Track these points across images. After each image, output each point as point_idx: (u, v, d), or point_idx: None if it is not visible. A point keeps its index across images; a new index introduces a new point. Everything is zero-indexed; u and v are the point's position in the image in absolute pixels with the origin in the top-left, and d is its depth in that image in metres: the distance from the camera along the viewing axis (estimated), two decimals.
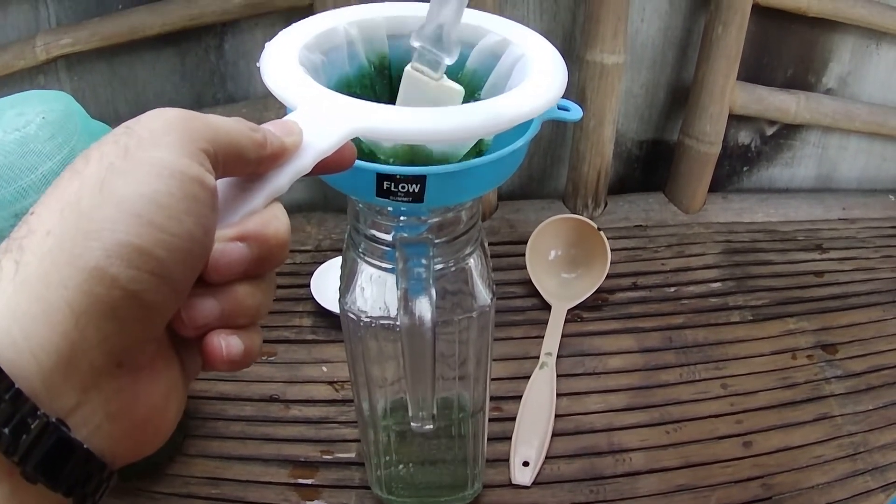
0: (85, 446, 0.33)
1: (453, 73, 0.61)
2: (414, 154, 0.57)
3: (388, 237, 0.62)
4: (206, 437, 0.95)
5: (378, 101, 0.50)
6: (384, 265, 0.65)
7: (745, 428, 0.96)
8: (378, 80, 0.63)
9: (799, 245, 1.27)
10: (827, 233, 1.31)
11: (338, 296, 0.70)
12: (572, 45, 1.22)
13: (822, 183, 1.44)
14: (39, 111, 0.74)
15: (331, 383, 1.01)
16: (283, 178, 0.40)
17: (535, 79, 0.54)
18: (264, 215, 0.39)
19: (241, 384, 1.01)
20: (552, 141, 1.33)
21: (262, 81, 0.49)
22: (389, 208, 0.61)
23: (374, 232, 0.63)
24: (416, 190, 0.53)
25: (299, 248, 1.24)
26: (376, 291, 0.67)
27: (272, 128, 0.40)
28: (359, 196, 0.59)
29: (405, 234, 0.61)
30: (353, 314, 0.68)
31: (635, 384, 1.02)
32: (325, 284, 1.10)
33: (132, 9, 1.12)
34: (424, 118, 0.47)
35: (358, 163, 0.53)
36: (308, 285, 1.12)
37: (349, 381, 0.81)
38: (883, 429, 0.97)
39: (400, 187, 0.53)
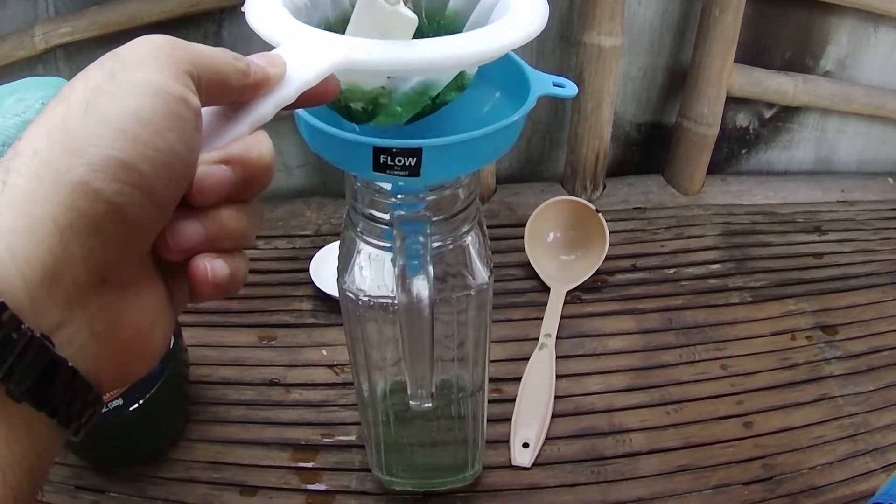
0: (70, 364, 0.34)
1: (435, 13, 0.61)
2: (390, 97, 0.57)
3: (387, 216, 0.62)
4: (207, 422, 0.95)
5: None
6: (382, 244, 0.65)
7: (746, 409, 0.96)
8: None
9: (798, 227, 1.27)
10: (826, 215, 1.31)
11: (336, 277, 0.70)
12: (570, 28, 1.22)
13: (821, 165, 1.44)
14: (39, 97, 0.74)
15: (331, 367, 1.01)
16: (268, 107, 0.41)
17: (516, 13, 0.54)
18: (248, 140, 0.40)
19: (241, 368, 1.01)
20: (550, 124, 1.33)
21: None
22: (387, 186, 0.61)
23: (372, 211, 0.63)
24: (413, 163, 0.53)
25: (299, 232, 1.24)
26: (375, 270, 0.67)
27: (257, 59, 0.41)
28: (356, 171, 0.59)
29: (403, 212, 0.61)
30: (352, 293, 0.68)
31: (635, 365, 1.02)
32: (324, 269, 1.10)
33: None
34: (408, 49, 0.47)
35: (354, 137, 0.53)
36: (308, 269, 1.12)
37: (349, 364, 0.81)
38: (883, 410, 0.97)
39: (396, 161, 0.53)
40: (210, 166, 0.38)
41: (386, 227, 0.63)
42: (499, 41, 0.50)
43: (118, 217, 0.33)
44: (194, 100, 0.36)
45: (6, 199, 0.32)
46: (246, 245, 0.41)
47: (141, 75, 0.35)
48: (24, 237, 0.32)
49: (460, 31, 0.60)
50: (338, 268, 0.69)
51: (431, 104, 0.57)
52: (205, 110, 0.38)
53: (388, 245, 0.64)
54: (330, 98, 0.45)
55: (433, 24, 0.60)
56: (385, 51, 0.47)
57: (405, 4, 0.53)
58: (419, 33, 0.59)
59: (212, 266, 0.38)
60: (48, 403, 0.33)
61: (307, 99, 0.43)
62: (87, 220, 0.33)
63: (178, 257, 0.38)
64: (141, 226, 0.35)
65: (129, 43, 0.37)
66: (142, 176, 0.34)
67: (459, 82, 0.58)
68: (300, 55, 0.43)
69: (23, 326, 0.31)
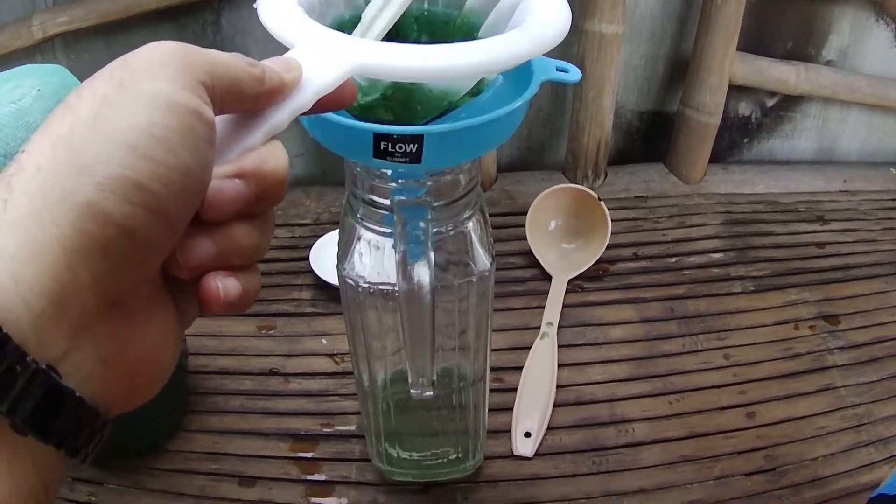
0: (77, 394, 0.32)
1: (450, 12, 0.61)
2: (410, 94, 0.56)
3: (387, 201, 0.62)
4: (205, 412, 0.94)
5: None
6: (383, 230, 0.64)
7: (748, 399, 0.96)
8: None
9: (800, 216, 1.27)
10: (828, 204, 1.30)
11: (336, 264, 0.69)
12: (571, 16, 1.21)
13: (823, 155, 1.43)
14: (35, 84, 0.74)
15: (330, 356, 1.01)
16: (283, 115, 0.39)
17: (537, 19, 0.53)
18: (262, 152, 0.38)
19: (240, 358, 1.01)
20: (552, 112, 1.33)
21: (260, 57, 0.48)
22: (388, 171, 0.60)
23: (372, 196, 0.62)
24: (414, 150, 0.52)
25: (298, 221, 1.24)
26: (375, 257, 0.67)
27: (271, 64, 0.39)
28: (356, 158, 0.58)
29: (403, 198, 0.60)
30: (352, 280, 0.67)
31: (637, 354, 1.01)
32: (324, 257, 1.10)
33: None
34: (426, 56, 0.45)
35: (354, 123, 0.53)
36: (307, 258, 1.11)
37: (349, 354, 0.81)
38: (886, 400, 0.96)
39: (397, 147, 0.52)
40: (223, 181, 0.36)
41: (386, 213, 0.62)
42: (521, 50, 0.48)
43: (128, 240, 0.32)
44: (209, 113, 0.35)
45: (10, 219, 0.30)
46: (257, 259, 0.39)
47: (152, 86, 0.33)
48: (29, 263, 0.30)
49: (477, 29, 0.59)
50: (337, 254, 0.69)
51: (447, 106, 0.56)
52: (217, 119, 0.36)
53: (389, 231, 0.63)
54: (347, 103, 0.44)
55: (449, 22, 0.59)
56: (404, 56, 0.45)
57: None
58: (433, 31, 0.58)
59: (224, 285, 0.37)
60: (54, 435, 0.31)
61: (324, 104, 0.41)
62: (96, 244, 0.31)
63: (189, 275, 0.37)
64: (151, 248, 0.34)
65: (139, 49, 0.35)
66: (153, 196, 0.32)
67: (477, 87, 0.58)
68: (316, 59, 0.42)
69: (28, 358, 0.30)
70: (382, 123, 0.56)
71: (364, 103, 0.56)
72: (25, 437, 0.31)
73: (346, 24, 0.59)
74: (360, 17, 0.58)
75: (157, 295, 0.37)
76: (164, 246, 0.34)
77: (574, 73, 0.60)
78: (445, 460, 0.85)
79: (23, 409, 0.30)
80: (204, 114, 0.34)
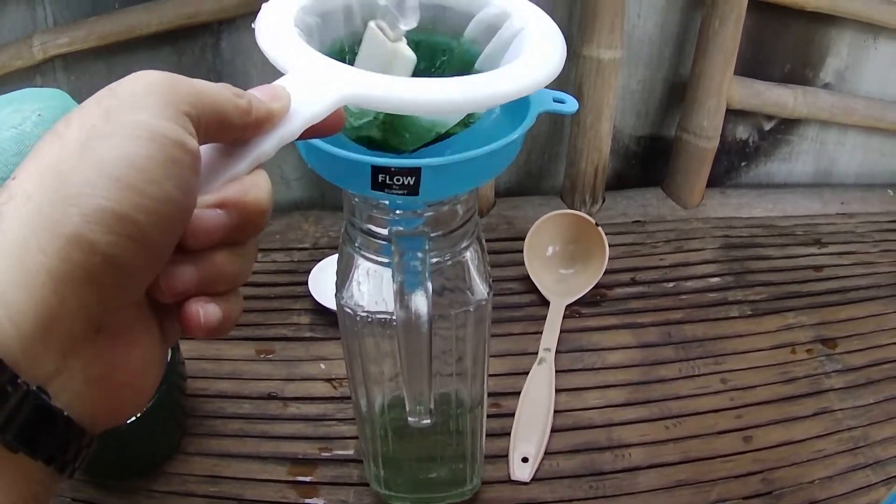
0: (65, 413, 0.33)
1: (449, 41, 0.61)
2: (399, 121, 0.56)
3: (385, 231, 0.62)
4: (204, 436, 0.94)
5: None
6: (381, 259, 0.64)
7: (745, 423, 0.96)
8: None
9: (797, 240, 1.27)
10: (826, 227, 1.30)
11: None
12: (569, 41, 1.20)
13: (821, 178, 1.43)
14: (36, 108, 0.74)
15: (329, 380, 1.01)
16: (269, 145, 0.40)
17: (532, 54, 0.53)
18: (245, 183, 0.39)
19: (239, 382, 1.01)
20: (550, 137, 1.33)
21: (259, 80, 0.48)
22: (385, 202, 0.60)
23: (370, 226, 0.63)
24: (412, 182, 0.53)
25: (297, 245, 1.24)
26: (373, 286, 0.67)
27: (258, 93, 0.40)
28: (354, 189, 0.59)
29: (401, 228, 0.61)
30: (350, 309, 0.68)
31: (634, 379, 1.01)
32: (322, 282, 1.10)
33: (128, 8, 1.12)
34: (416, 89, 0.46)
35: (352, 155, 0.53)
36: (306, 283, 1.11)
37: (347, 378, 0.81)
38: (883, 423, 0.96)
39: (395, 180, 0.53)
40: (204, 210, 0.37)
41: (384, 243, 0.63)
42: (513, 88, 0.49)
43: (113, 268, 0.33)
44: (193, 143, 0.35)
45: (2, 249, 0.32)
46: (239, 285, 0.40)
47: (137, 117, 0.34)
48: (18, 288, 0.31)
49: (473, 61, 0.60)
50: (336, 283, 0.69)
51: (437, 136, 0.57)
52: (203, 147, 0.37)
53: (387, 260, 0.64)
54: (336, 131, 0.44)
55: (448, 51, 0.60)
56: (395, 88, 0.45)
57: (406, 43, 0.53)
58: (432, 58, 0.59)
59: (205, 311, 0.38)
60: (43, 452, 0.33)
61: (313, 132, 0.42)
62: (82, 272, 0.32)
63: (172, 300, 0.38)
64: (135, 275, 0.35)
65: (127, 78, 0.36)
66: (137, 226, 0.33)
67: (467, 119, 0.58)
68: (307, 87, 0.42)
69: (19, 381, 0.31)
70: (374, 146, 0.57)
71: (357, 125, 0.57)
72: (16, 454, 0.32)
73: (345, 47, 0.59)
74: (358, 41, 0.58)
75: (141, 318, 0.37)
76: (148, 273, 0.35)
77: (571, 104, 0.61)
78: (443, 485, 0.85)
79: (14, 428, 0.31)
80: (187, 144, 0.35)
